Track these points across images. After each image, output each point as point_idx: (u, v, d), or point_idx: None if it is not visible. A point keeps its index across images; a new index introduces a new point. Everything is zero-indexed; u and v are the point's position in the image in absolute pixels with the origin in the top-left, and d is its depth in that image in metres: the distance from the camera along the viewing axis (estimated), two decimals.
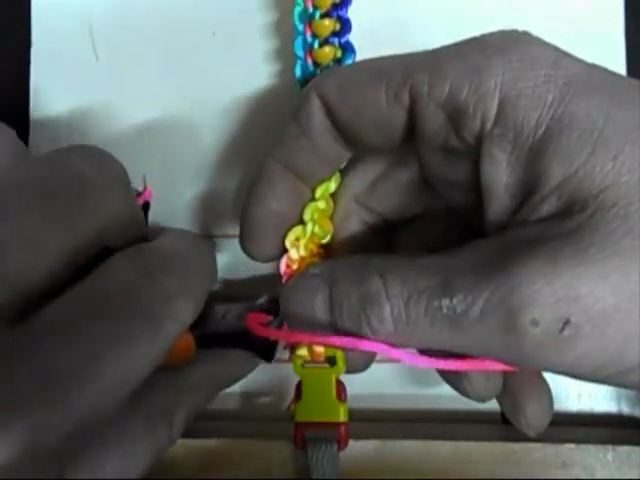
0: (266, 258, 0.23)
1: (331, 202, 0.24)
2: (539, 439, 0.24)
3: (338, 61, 0.25)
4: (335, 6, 0.24)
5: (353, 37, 0.24)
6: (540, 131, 0.19)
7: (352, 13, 0.24)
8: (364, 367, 0.24)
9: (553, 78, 0.19)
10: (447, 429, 0.26)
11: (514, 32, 0.20)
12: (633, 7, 0.27)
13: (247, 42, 0.27)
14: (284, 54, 0.27)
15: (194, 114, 0.27)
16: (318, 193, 0.23)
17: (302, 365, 0.24)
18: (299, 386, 0.24)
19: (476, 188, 0.21)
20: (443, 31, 0.26)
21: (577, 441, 0.24)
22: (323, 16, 0.24)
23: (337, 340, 0.21)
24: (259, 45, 0.27)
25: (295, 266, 0.23)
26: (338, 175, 0.24)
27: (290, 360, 0.24)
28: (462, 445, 0.25)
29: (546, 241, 0.18)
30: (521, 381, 0.24)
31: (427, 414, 0.27)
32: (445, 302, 0.19)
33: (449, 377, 0.24)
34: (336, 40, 0.24)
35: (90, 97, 0.28)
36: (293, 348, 0.24)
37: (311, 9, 0.24)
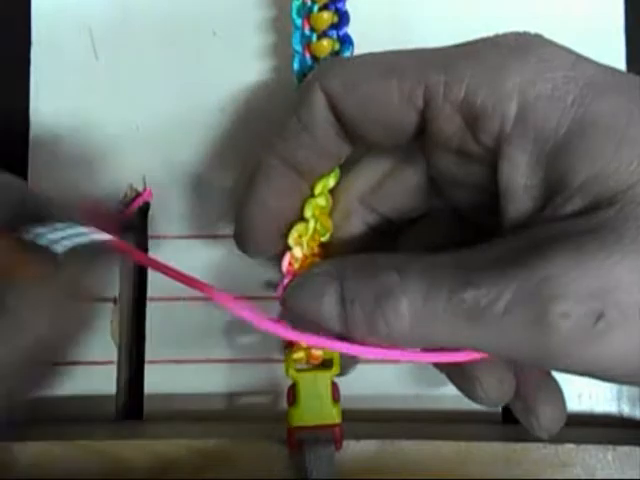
0: (261, 255, 0.23)
1: (330, 199, 0.24)
2: (539, 439, 0.24)
3: (336, 54, 0.24)
4: None
5: (351, 30, 0.24)
6: (561, 132, 0.18)
7: (350, 5, 0.24)
8: (349, 370, 0.24)
9: (573, 79, 0.19)
10: (447, 429, 0.26)
11: (527, 33, 0.20)
12: (633, 7, 0.27)
13: (247, 40, 0.27)
14: (282, 51, 0.27)
15: (194, 114, 0.27)
16: (318, 189, 0.23)
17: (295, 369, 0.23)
18: (292, 390, 0.23)
19: (488, 189, 0.20)
20: (442, 26, 0.27)
21: (577, 441, 0.24)
22: (321, 9, 0.24)
23: (333, 343, 0.20)
24: (259, 42, 0.27)
25: (297, 265, 0.23)
26: (337, 171, 0.24)
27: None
28: (462, 445, 0.24)
29: (576, 234, 0.18)
30: (534, 384, 0.23)
31: (427, 414, 0.27)
32: (467, 296, 0.18)
33: (461, 384, 0.23)
34: (334, 33, 0.24)
35: (90, 97, 0.28)
36: (289, 349, 0.23)
37: (309, 2, 0.24)
